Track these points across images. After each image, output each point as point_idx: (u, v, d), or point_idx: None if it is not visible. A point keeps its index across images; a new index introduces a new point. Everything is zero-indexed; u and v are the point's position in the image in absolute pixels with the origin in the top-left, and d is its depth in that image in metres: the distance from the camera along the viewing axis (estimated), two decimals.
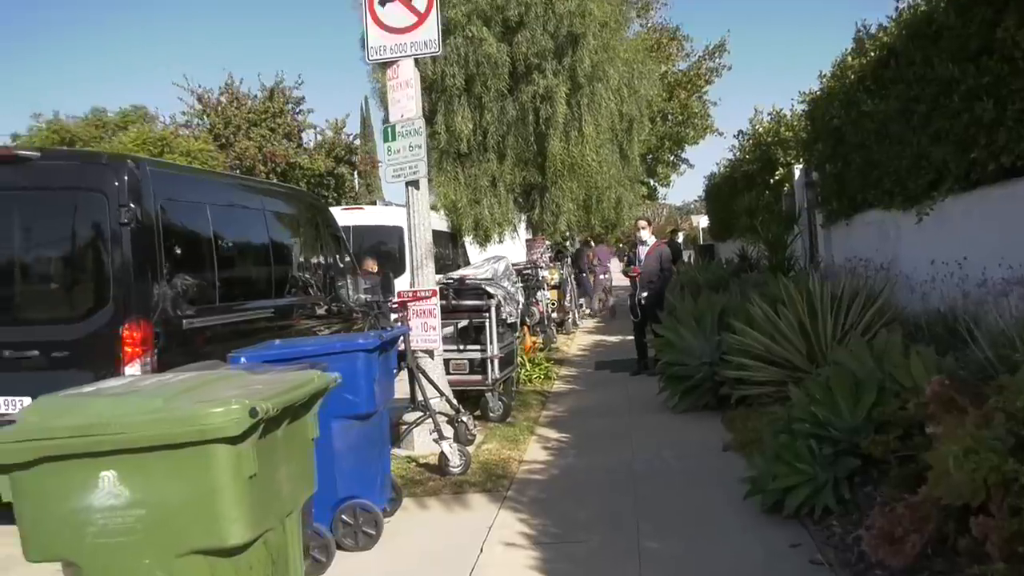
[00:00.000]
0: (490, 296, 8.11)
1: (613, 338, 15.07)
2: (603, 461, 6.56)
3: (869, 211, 8.44)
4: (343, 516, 4.94)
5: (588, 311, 19.81)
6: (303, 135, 25.14)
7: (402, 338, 6.39)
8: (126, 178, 6.03)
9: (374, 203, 23.02)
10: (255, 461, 2.78)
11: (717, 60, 24.84)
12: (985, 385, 3.80)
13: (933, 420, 3.40)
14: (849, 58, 7.99)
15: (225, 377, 3.26)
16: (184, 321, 6.37)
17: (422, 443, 7.13)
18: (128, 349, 5.97)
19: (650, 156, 24.29)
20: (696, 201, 74.80)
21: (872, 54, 7.42)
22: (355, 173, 27.45)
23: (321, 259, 9.20)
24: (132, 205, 5.98)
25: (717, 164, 20.58)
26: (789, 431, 4.78)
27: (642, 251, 10.80)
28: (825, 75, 9.23)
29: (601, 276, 20.31)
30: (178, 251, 6.51)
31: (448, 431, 7.05)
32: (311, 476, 3.44)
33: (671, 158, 26.15)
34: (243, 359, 4.88)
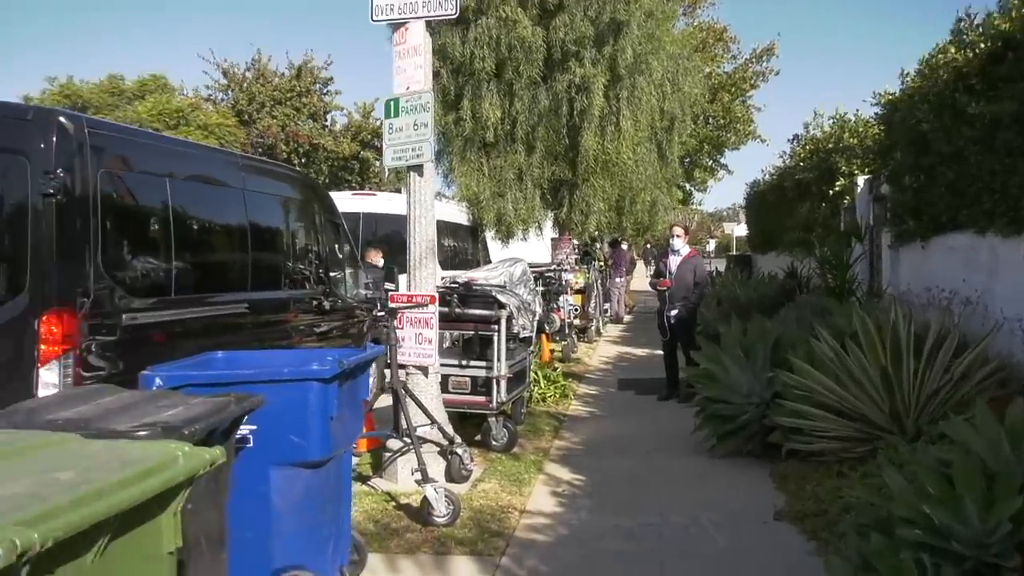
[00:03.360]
0: (501, 306, 6.78)
1: (639, 351, 13.69)
2: (626, 522, 5.20)
3: (955, 234, 7.02)
4: None
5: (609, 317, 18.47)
6: (329, 117, 24.04)
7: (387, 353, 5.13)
8: (55, 139, 4.78)
9: (398, 191, 21.82)
10: None
11: (765, 64, 23.35)
12: None
13: None
14: (951, 50, 6.54)
15: (27, 448, 1.97)
16: (125, 316, 5.11)
17: (406, 476, 5.84)
18: (44, 347, 4.74)
19: (687, 159, 22.83)
20: (728, 209, 73.34)
21: (983, 46, 5.98)
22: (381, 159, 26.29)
23: (316, 248, 7.92)
24: (61, 172, 4.74)
25: (763, 171, 19.06)
26: (886, 532, 3.42)
27: (673, 262, 9.37)
28: (908, 73, 7.79)
29: (618, 280, 19.02)
30: (123, 231, 5.26)
31: (438, 466, 5.80)
32: None
33: (709, 163, 24.68)
34: (157, 379, 3.62)
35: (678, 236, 9.37)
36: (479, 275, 7.25)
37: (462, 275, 7.51)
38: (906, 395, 5.24)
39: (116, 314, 5.04)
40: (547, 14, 12.46)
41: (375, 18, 5.99)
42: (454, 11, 5.82)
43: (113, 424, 2.66)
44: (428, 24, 5.92)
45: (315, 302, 7.72)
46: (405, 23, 5.90)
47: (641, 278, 31.68)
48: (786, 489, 5.64)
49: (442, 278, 6.47)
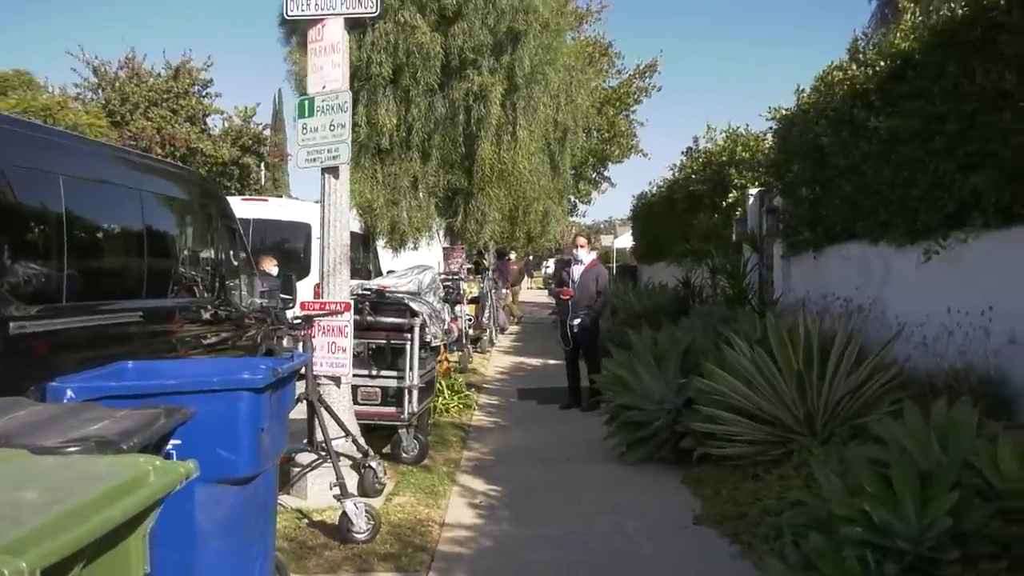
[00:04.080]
0: (414, 314, 6.65)
1: (533, 361, 13.75)
2: (548, 531, 5.16)
3: (848, 244, 7.38)
4: None
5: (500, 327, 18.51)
6: (208, 120, 23.09)
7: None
8: None
9: (279, 196, 21.22)
10: None
11: (647, 80, 23.98)
12: None
13: None
14: (853, 67, 6.88)
15: None
16: (12, 324, 4.71)
17: (317, 492, 5.65)
18: None
19: (573, 171, 23.22)
20: (605, 222, 75.02)
21: (881, 64, 6.32)
22: (262, 165, 25.49)
23: (211, 254, 7.56)
24: None
25: (651, 183, 19.56)
26: (826, 531, 3.51)
27: (576, 271, 9.47)
28: (804, 90, 8.15)
29: (503, 291, 19.19)
30: (9, 232, 4.85)
31: (351, 480, 5.59)
32: None
33: (593, 175, 25.13)
34: (69, 392, 3.32)
35: (581, 246, 9.50)
36: (389, 283, 7.07)
37: (372, 283, 7.31)
38: (815, 399, 5.44)
39: (3, 323, 4.63)
40: (446, 21, 12.38)
41: (290, 13, 5.77)
42: (375, 8, 5.68)
43: (38, 440, 2.40)
44: (346, 22, 5.74)
45: (210, 311, 7.38)
46: (322, 19, 5.70)
47: (525, 290, 31.95)
48: (702, 494, 5.73)
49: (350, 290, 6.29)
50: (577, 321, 9.26)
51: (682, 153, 14.59)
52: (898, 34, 6.21)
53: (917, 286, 6.16)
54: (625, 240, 37.18)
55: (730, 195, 10.65)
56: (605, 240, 58.10)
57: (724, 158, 11.39)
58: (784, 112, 8.69)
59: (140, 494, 1.71)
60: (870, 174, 6.53)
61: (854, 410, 5.40)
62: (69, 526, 1.47)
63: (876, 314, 6.75)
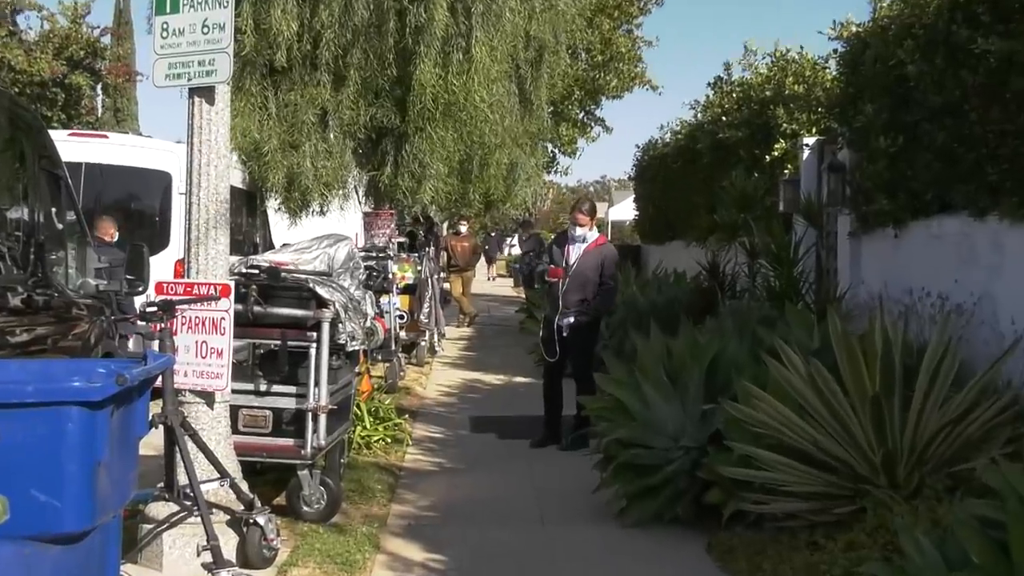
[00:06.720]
0: (322, 303, 6.62)
1: (492, 377, 13.89)
2: None
3: (942, 217, 7.50)
4: None
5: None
6: (18, 19, 22.85)
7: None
8: None
9: (127, 133, 21.02)
10: None
11: None
12: None
13: None
14: None
15: None
16: None
17: (178, 560, 5.64)
18: None
19: (552, 108, 23.25)
20: (597, 183, 75.43)
21: None
22: (99, 87, 25.24)
23: (22, 213, 7.45)
24: None
25: (662, 128, 19.39)
26: None
27: (572, 251, 9.47)
28: None
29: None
30: None
31: (229, 543, 5.58)
32: None
33: (581, 115, 25.15)
34: None
35: (581, 224, 9.37)
36: (286, 258, 7.03)
37: (261, 257, 7.27)
38: (898, 434, 5.50)
39: None
40: None
41: None
42: None
43: None
44: None
45: (20, 294, 7.26)
46: None
47: (482, 279, 32.13)
48: (734, 568, 5.81)
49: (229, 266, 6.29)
50: (568, 320, 9.26)
51: (708, 85, 14.66)
52: None
53: None
54: (624, 209, 37.41)
55: (776, 146, 10.76)
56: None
57: (768, 93, 11.52)
58: (855, 29, 8.77)
59: None
60: (975, 117, 6.62)
61: (953, 451, 5.48)
62: None
63: (983, 317, 6.84)
